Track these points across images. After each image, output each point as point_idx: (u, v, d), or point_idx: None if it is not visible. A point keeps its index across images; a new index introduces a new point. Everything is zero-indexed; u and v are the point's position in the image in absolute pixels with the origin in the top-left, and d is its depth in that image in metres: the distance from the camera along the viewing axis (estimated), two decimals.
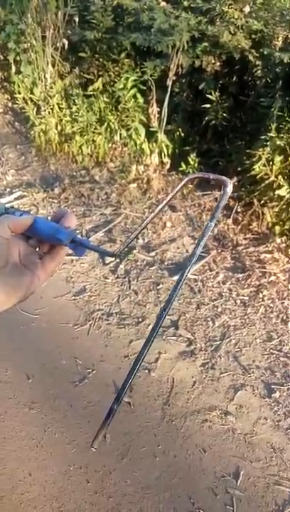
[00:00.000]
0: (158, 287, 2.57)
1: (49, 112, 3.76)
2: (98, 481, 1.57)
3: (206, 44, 3.25)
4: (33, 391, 1.89)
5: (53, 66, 3.84)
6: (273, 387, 2.01)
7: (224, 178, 0.54)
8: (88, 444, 1.66)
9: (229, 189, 0.53)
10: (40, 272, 0.55)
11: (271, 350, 2.21)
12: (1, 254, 0.52)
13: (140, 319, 2.34)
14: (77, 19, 3.73)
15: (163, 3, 3.35)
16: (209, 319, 2.38)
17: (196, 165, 3.45)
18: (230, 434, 1.79)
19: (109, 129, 3.67)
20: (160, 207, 0.61)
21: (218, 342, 2.23)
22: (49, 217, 0.59)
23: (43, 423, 1.76)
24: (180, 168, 3.52)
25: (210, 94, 3.30)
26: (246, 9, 3.05)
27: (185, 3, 3.29)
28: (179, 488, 1.58)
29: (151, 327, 2.29)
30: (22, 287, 0.53)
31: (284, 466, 1.68)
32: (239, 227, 3.06)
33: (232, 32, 3.10)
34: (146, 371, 2.03)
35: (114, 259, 2.77)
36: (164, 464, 1.65)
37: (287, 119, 2.88)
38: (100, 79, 3.78)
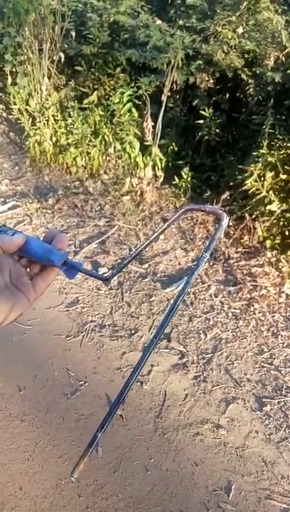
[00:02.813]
0: (150, 299, 2.59)
1: (44, 124, 3.80)
2: (90, 495, 1.56)
3: (200, 62, 3.34)
4: (24, 403, 1.88)
5: (49, 78, 3.90)
6: (264, 400, 2.03)
7: (220, 211, 0.55)
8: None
9: (225, 222, 0.54)
10: (30, 293, 0.55)
11: (262, 364, 2.24)
12: None
13: (133, 331, 2.35)
14: (73, 34, 3.80)
15: (159, 21, 3.43)
16: (201, 332, 2.39)
17: (189, 179, 3.50)
18: (222, 448, 1.80)
19: (103, 142, 3.72)
20: (154, 236, 0.63)
21: (210, 355, 2.25)
22: (41, 238, 0.59)
23: (34, 436, 1.75)
24: (174, 182, 3.57)
25: (203, 110, 3.37)
26: (240, 30, 3.15)
27: (180, 22, 3.38)
28: (171, 503, 1.57)
29: (143, 339, 2.29)
30: (11, 309, 0.52)
31: (275, 480, 1.69)
32: (231, 240, 3.10)
33: (226, 51, 3.19)
34: (139, 384, 2.03)
35: (107, 270, 2.78)
36: (156, 478, 1.65)
37: (278, 136, 2.96)
38: (95, 92, 3.84)
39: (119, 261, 2.88)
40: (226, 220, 0.54)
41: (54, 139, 3.83)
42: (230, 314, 2.53)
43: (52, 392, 1.94)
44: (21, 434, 1.74)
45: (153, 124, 3.53)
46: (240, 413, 1.96)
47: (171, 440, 1.80)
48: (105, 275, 0.61)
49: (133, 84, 3.64)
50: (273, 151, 2.90)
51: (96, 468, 1.65)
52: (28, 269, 0.57)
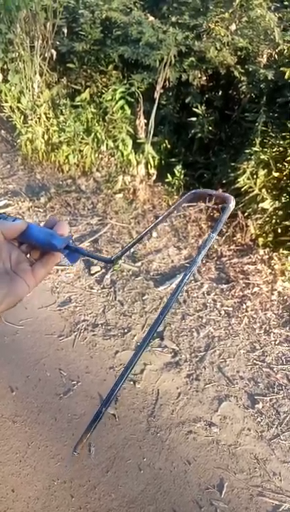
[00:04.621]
0: (143, 298, 2.58)
1: (36, 121, 3.76)
2: (82, 495, 1.55)
3: (193, 59, 3.32)
4: (16, 404, 1.87)
5: (41, 76, 3.86)
6: (256, 398, 2.04)
7: (226, 194, 0.58)
8: (73, 458, 1.65)
9: (232, 205, 0.56)
10: (29, 279, 0.55)
11: (254, 361, 2.25)
12: None
13: (126, 330, 2.34)
14: (65, 30, 3.77)
15: (151, 18, 3.41)
16: (194, 330, 2.40)
17: (182, 176, 3.50)
18: (214, 446, 1.80)
19: (96, 140, 3.70)
20: (159, 219, 0.64)
21: (203, 353, 2.25)
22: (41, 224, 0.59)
23: (26, 436, 1.74)
24: (166, 180, 3.56)
25: (196, 107, 3.36)
26: (232, 27, 3.14)
27: (173, 19, 3.36)
28: (164, 501, 1.58)
29: (136, 338, 2.29)
30: (11, 294, 0.52)
31: (267, 477, 1.70)
32: (224, 238, 3.11)
33: (218, 48, 3.18)
34: (131, 383, 2.03)
35: (100, 269, 2.77)
36: (149, 477, 1.65)
37: (271, 134, 2.96)
38: (88, 89, 3.81)
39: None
40: (233, 203, 0.57)
41: (46, 136, 3.80)
42: (223, 312, 2.54)
43: (45, 393, 1.93)
44: (13, 435, 1.74)
45: (145, 121, 3.51)
46: (232, 411, 1.96)
47: (164, 439, 1.80)
48: (109, 257, 0.61)
49: (125, 82, 3.62)
50: (265, 149, 2.90)
51: (88, 468, 1.65)
52: (28, 255, 0.57)
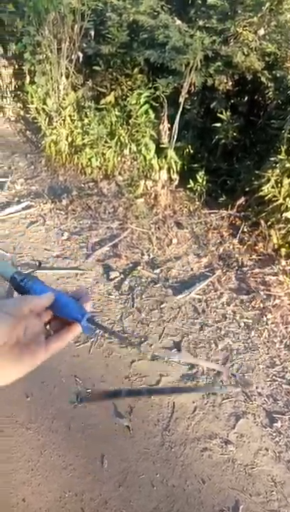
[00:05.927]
0: (161, 306, 2.55)
1: (61, 123, 3.78)
2: (93, 510, 1.53)
3: (219, 63, 3.26)
4: (31, 410, 1.86)
5: (67, 78, 3.87)
6: (275, 416, 1.97)
7: None
8: (85, 470, 1.63)
9: None
10: (41, 352, 0.53)
11: (273, 377, 2.18)
12: (3, 332, 0.49)
13: (142, 339, 2.31)
14: (92, 33, 3.77)
15: (179, 22, 3.37)
16: (212, 341, 2.34)
17: (204, 183, 3.45)
18: (230, 465, 1.75)
19: (119, 143, 3.69)
20: None
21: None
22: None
23: (39, 444, 1.73)
24: (189, 185, 3.52)
25: (221, 113, 3.31)
26: (261, 32, 3.06)
27: (200, 23, 3.31)
28: None
29: (153, 347, 2.26)
30: (15, 370, 0.50)
31: (285, 501, 1.64)
32: (245, 247, 3.04)
33: (246, 53, 3.11)
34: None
35: (118, 275, 2.75)
36: (162, 494, 1.61)
37: None
38: (113, 92, 3.80)
39: (130, 265, 2.85)
40: None
41: (70, 139, 3.81)
42: (242, 324, 2.48)
43: (60, 400, 1.92)
44: (26, 442, 1.73)
45: (169, 126, 3.47)
46: (250, 428, 1.91)
47: (178, 455, 1.76)
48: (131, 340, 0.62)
49: (150, 85, 3.59)
50: None
51: (101, 481, 1.62)
52: (47, 326, 0.56)
